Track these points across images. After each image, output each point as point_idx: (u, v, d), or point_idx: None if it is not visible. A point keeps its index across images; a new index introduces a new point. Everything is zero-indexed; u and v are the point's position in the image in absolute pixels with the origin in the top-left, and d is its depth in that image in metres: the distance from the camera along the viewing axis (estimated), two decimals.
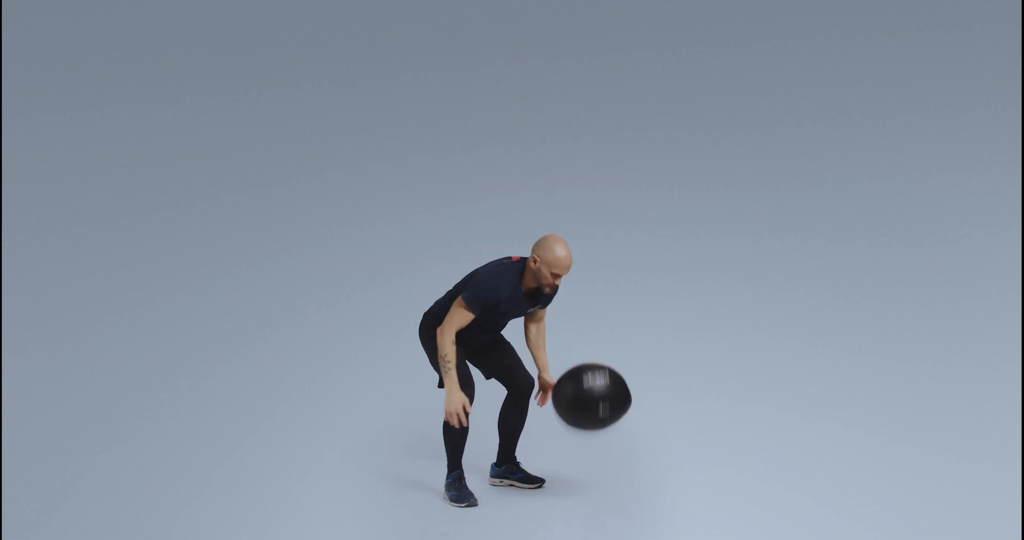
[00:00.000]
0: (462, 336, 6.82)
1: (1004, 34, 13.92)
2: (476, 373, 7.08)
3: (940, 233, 10.73)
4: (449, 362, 6.67)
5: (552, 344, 7.40)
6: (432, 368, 6.95)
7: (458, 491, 6.88)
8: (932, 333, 9.03)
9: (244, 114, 13.34)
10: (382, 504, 6.90)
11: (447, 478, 6.90)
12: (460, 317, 6.68)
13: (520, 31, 14.59)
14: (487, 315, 6.74)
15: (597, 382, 6.59)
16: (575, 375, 6.64)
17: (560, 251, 6.62)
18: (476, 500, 6.87)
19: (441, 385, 6.87)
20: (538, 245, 6.66)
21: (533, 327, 7.07)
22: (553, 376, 6.96)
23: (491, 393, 7.31)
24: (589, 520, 6.71)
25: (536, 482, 7.08)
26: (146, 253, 10.57)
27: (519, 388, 6.98)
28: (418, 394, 7.92)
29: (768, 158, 12.38)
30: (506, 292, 6.67)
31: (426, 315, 6.92)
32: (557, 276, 6.66)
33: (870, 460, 7.28)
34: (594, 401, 6.55)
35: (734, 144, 12.69)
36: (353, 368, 8.64)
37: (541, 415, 7.28)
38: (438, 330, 6.71)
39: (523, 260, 6.75)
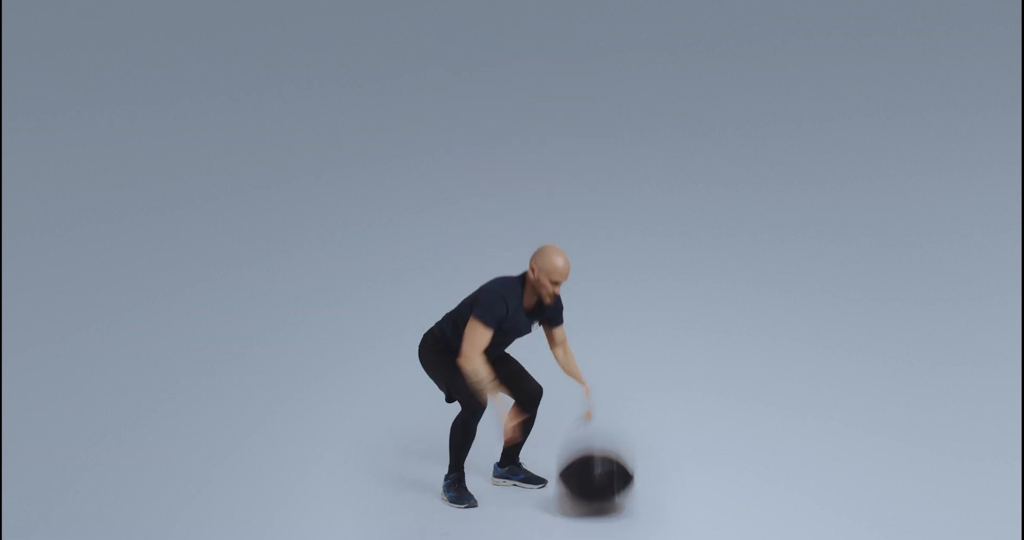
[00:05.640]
0: None
1: (1004, 34, 13.92)
2: None
3: (940, 233, 10.73)
4: (490, 380, 6.63)
5: None
6: (437, 387, 6.93)
7: (458, 492, 6.87)
8: (932, 333, 9.02)
9: (244, 114, 13.35)
10: (382, 504, 6.90)
11: (446, 478, 6.89)
12: (480, 336, 6.64)
13: (520, 31, 14.59)
14: (496, 332, 6.71)
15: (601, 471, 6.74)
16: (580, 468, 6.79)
17: (558, 259, 6.62)
18: (476, 502, 6.86)
19: (449, 400, 6.87)
20: (535, 256, 6.67)
21: (560, 352, 7.05)
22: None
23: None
24: (589, 520, 6.71)
25: (538, 482, 7.08)
26: (146, 253, 10.57)
27: (528, 394, 6.97)
28: (418, 394, 7.92)
29: (768, 158, 12.38)
30: (512, 305, 6.66)
31: (426, 335, 6.87)
32: (556, 284, 6.66)
33: (870, 460, 7.28)
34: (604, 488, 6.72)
35: (734, 144, 12.69)
36: (353, 368, 8.64)
37: (543, 417, 7.28)
38: (460, 360, 6.65)
39: (523, 274, 6.74)
